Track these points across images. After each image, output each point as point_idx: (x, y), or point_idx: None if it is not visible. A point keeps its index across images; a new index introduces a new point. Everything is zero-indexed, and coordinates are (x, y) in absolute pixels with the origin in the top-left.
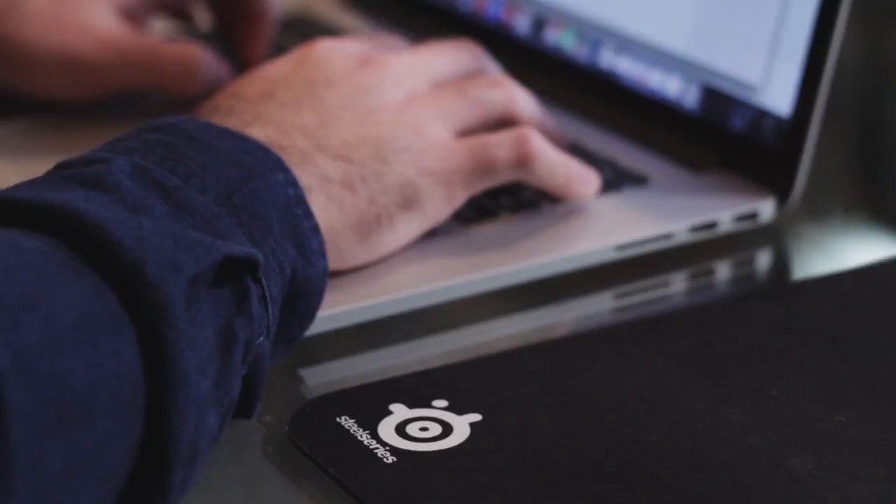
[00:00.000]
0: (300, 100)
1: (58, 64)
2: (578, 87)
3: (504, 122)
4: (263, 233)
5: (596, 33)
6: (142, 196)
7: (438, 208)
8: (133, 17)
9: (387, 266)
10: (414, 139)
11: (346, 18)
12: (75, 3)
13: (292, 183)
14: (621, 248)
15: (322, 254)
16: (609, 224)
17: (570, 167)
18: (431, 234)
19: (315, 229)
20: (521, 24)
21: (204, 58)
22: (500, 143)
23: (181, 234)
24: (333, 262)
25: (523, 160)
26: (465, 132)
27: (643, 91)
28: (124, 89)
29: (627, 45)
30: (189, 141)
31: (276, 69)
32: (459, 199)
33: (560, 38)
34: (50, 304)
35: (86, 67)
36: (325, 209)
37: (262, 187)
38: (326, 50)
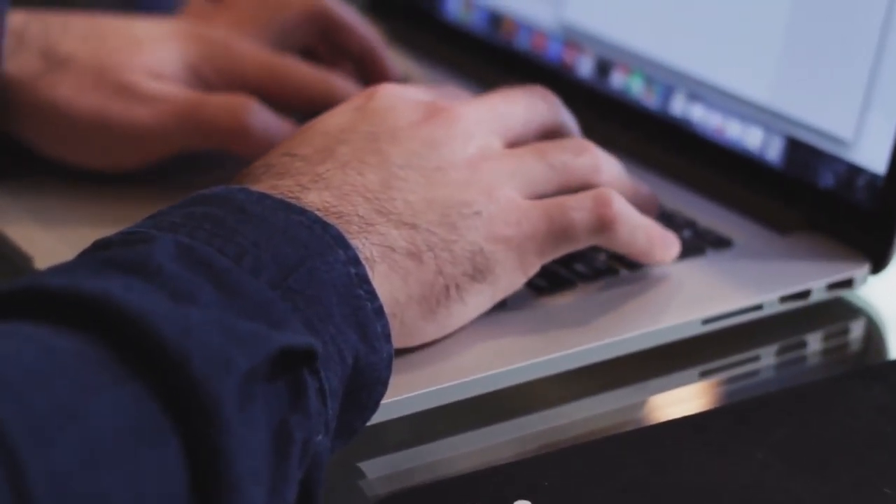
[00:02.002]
0: (362, 158)
1: (91, 127)
2: (648, 136)
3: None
4: (322, 319)
5: (667, 78)
6: (187, 280)
7: (511, 278)
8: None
9: (453, 344)
10: (485, 202)
11: (394, 57)
12: (120, 70)
13: (354, 261)
14: (708, 321)
15: (387, 338)
16: (694, 294)
17: (651, 230)
18: (501, 305)
19: (379, 311)
20: (584, 66)
21: (254, 106)
22: (578, 206)
23: (231, 323)
24: (397, 339)
25: (604, 224)
26: (541, 198)
27: (720, 142)
28: (168, 151)
29: (702, 91)
30: (240, 214)
31: (334, 120)
32: (534, 267)
33: (627, 83)
34: (87, 417)
35: (122, 129)
36: (388, 281)
37: (320, 267)
38: (390, 98)
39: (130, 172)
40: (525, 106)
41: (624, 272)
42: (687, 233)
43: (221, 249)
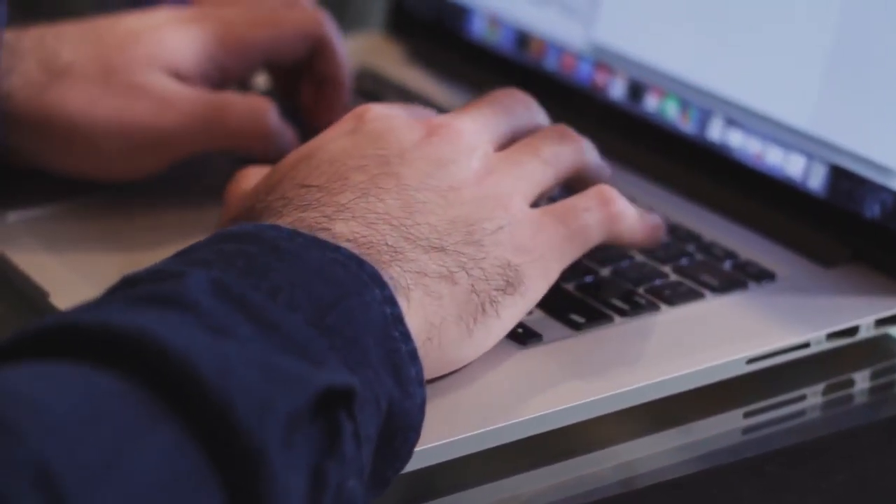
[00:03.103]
0: (378, 183)
1: (110, 134)
2: (683, 162)
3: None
4: (360, 361)
5: (703, 102)
6: (224, 315)
7: (538, 287)
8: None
9: (489, 383)
10: (504, 216)
11: (411, 75)
12: (127, 67)
13: (389, 300)
14: (753, 360)
15: (420, 383)
16: (737, 331)
17: (644, 218)
18: (538, 340)
19: (413, 354)
20: (616, 88)
21: (272, 107)
22: (586, 207)
23: (272, 361)
24: (436, 365)
25: (612, 220)
26: (542, 195)
27: (760, 170)
28: (189, 154)
29: (740, 116)
30: (274, 252)
31: (335, 146)
32: (555, 273)
33: (661, 106)
34: (129, 463)
35: (144, 133)
36: (423, 306)
37: (357, 307)
38: (383, 118)
39: (149, 178)
40: (508, 111)
41: (664, 307)
42: (727, 265)
43: (256, 286)
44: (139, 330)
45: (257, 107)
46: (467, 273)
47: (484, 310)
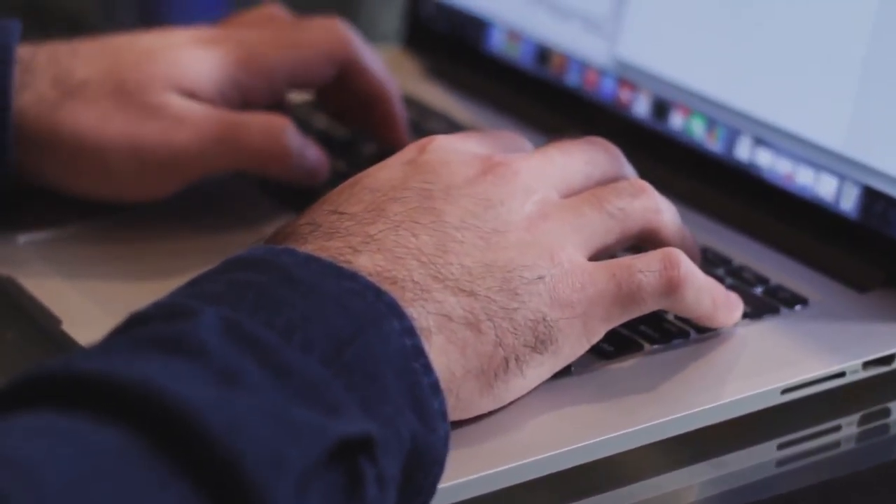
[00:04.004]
0: (415, 218)
1: (121, 153)
2: (710, 182)
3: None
4: (380, 398)
5: (731, 121)
6: (233, 359)
7: (574, 347)
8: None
9: (515, 416)
10: (548, 265)
11: (428, 91)
12: (141, 87)
13: (409, 331)
14: (788, 390)
15: (444, 416)
16: (771, 360)
17: (716, 292)
18: (566, 371)
19: (436, 387)
20: (640, 105)
21: (291, 126)
22: (646, 268)
23: (283, 411)
24: (451, 414)
25: (673, 287)
26: (603, 250)
27: (790, 191)
28: (203, 175)
29: (769, 136)
30: (287, 283)
31: (384, 175)
32: (598, 334)
33: (687, 125)
34: None
35: (156, 153)
36: (444, 353)
37: (375, 340)
38: (443, 151)
39: (164, 200)
40: (585, 159)
41: (694, 335)
42: (758, 289)
43: (269, 323)
44: (143, 382)
45: (273, 125)
46: (495, 324)
47: (508, 366)
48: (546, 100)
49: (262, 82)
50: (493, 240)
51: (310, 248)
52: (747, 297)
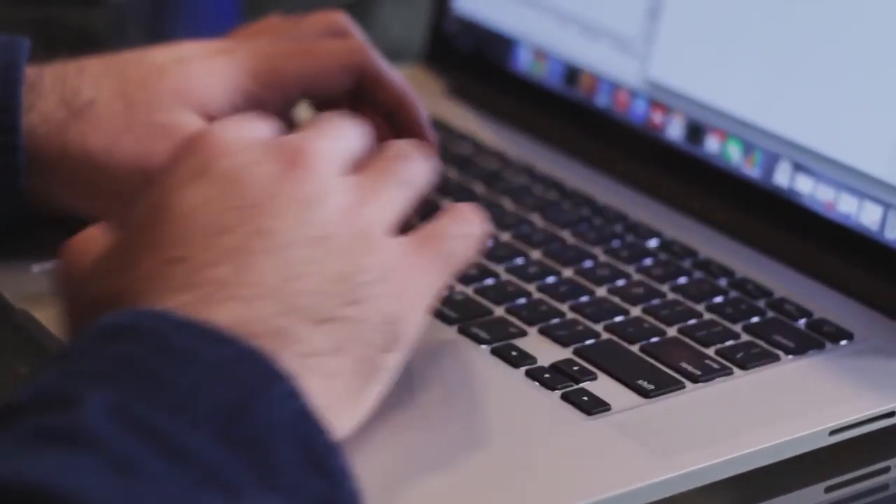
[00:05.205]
0: (249, 246)
1: (131, 176)
2: (747, 209)
3: None
4: (279, 469)
5: (769, 145)
6: (127, 447)
7: (419, 328)
8: None
9: (550, 462)
10: (377, 261)
11: (451, 111)
12: (151, 104)
13: (293, 394)
14: (836, 431)
15: (347, 474)
16: (817, 399)
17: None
18: (606, 410)
19: (332, 445)
20: (673, 128)
21: None
22: (453, 233)
23: (190, 501)
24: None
25: (479, 243)
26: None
27: (832, 219)
28: None
29: (809, 161)
30: (167, 355)
31: (185, 197)
32: (429, 307)
33: (723, 149)
34: None
35: None
36: (322, 390)
37: (264, 408)
38: (229, 151)
39: None
40: (356, 129)
41: (737, 370)
42: (801, 323)
43: (157, 403)
44: (34, 483)
45: None
46: (355, 339)
47: (375, 376)
48: (574, 121)
49: (275, 92)
50: (323, 247)
51: (167, 305)
52: (790, 332)
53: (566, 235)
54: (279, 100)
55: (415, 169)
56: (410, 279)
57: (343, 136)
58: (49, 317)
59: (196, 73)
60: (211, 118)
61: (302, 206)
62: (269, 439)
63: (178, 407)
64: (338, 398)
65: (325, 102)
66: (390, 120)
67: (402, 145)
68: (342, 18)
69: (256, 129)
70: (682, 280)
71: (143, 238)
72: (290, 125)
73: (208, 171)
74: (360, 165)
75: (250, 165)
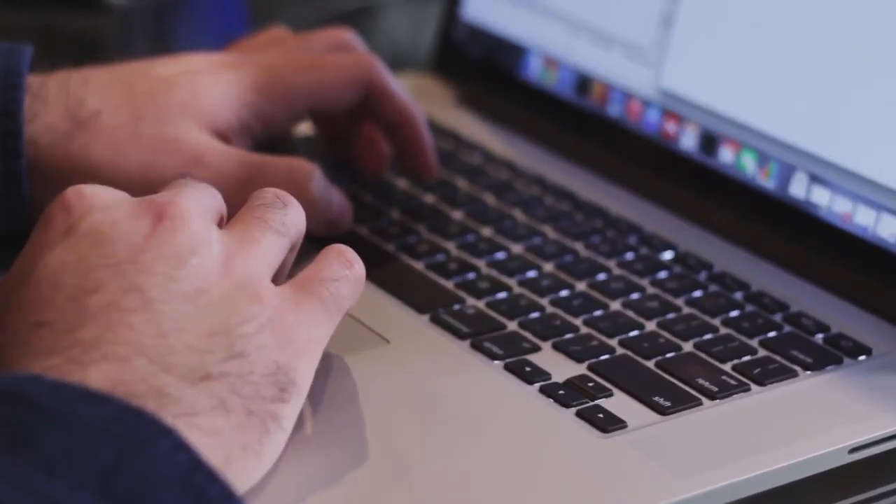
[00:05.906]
0: (120, 304)
1: (136, 190)
2: (761, 221)
3: None
4: None
5: (784, 156)
6: (10, 497)
7: (309, 376)
8: (226, 141)
9: (565, 483)
10: (259, 310)
11: (461, 120)
12: (158, 117)
13: (180, 446)
14: (856, 450)
15: None
16: (836, 416)
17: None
18: (622, 428)
19: (226, 493)
20: (687, 138)
21: (317, 173)
22: (335, 275)
23: None
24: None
25: (362, 280)
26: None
27: (849, 231)
28: None
29: (826, 173)
30: (38, 414)
31: (52, 259)
32: (319, 354)
33: (737, 160)
34: None
35: None
36: (206, 447)
37: (146, 462)
38: (97, 209)
39: None
40: (197, 184)
41: (754, 386)
42: (819, 338)
43: (33, 464)
44: None
45: (299, 169)
46: (239, 396)
47: (267, 428)
48: (586, 131)
49: (282, 106)
50: (199, 302)
51: (34, 369)
52: (807, 347)
53: (579, 247)
54: (285, 114)
55: (287, 216)
56: (294, 326)
57: (203, 193)
58: None
59: (203, 87)
60: (217, 131)
61: (173, 261)
62: (154, 492)
63: (53, 469)
64: (231, 458)
65: (326, 120)
66: (392, 136)
67: (270, 193)
68: (349, 35)
69: (120, 192)
70: (698, 293)
71: (10, 302)
72: (290, 142)
73: (74, 231)
74: (230, 220)
75: (117, 223)
